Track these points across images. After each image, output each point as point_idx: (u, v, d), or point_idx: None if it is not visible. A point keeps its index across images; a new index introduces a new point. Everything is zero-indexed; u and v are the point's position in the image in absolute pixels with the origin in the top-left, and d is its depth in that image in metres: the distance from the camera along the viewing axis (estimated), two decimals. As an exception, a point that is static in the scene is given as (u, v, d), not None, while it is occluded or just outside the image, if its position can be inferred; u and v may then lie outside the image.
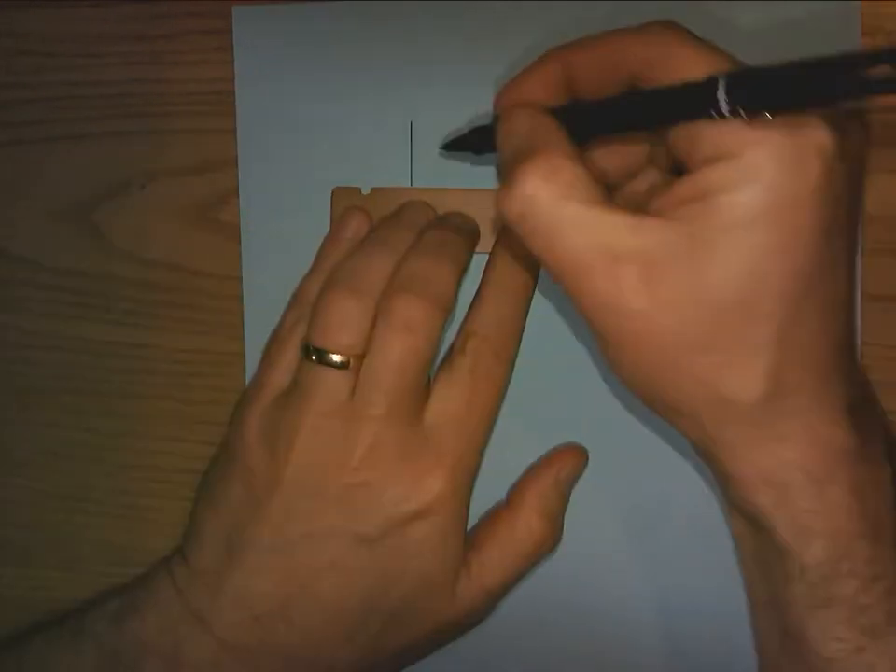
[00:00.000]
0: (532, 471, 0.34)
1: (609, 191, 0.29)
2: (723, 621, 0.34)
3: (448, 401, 0.31)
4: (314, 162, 0.36)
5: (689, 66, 0.25)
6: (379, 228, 0.34)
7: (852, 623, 0.26)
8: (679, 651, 0.35)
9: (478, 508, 0.34)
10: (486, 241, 0.34)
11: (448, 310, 0.31)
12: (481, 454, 0.32)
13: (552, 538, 0.33)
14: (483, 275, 0.33)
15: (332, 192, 0.36)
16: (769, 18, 0.33)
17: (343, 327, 0.31)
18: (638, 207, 0.26)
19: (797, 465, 0.26)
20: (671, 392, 0.26)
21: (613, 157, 0.30)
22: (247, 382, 0.36)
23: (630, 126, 0.28)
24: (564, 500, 0.34)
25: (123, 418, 0.39)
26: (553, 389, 0.35)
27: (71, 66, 0.38)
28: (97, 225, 0.38)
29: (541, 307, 0.34)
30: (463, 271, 0.32)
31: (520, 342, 0.33)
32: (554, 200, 0.25)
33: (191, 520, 0.34)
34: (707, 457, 0.28)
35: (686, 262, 0.24)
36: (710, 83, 0.24)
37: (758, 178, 0.24)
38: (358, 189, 0.35)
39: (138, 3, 0.37)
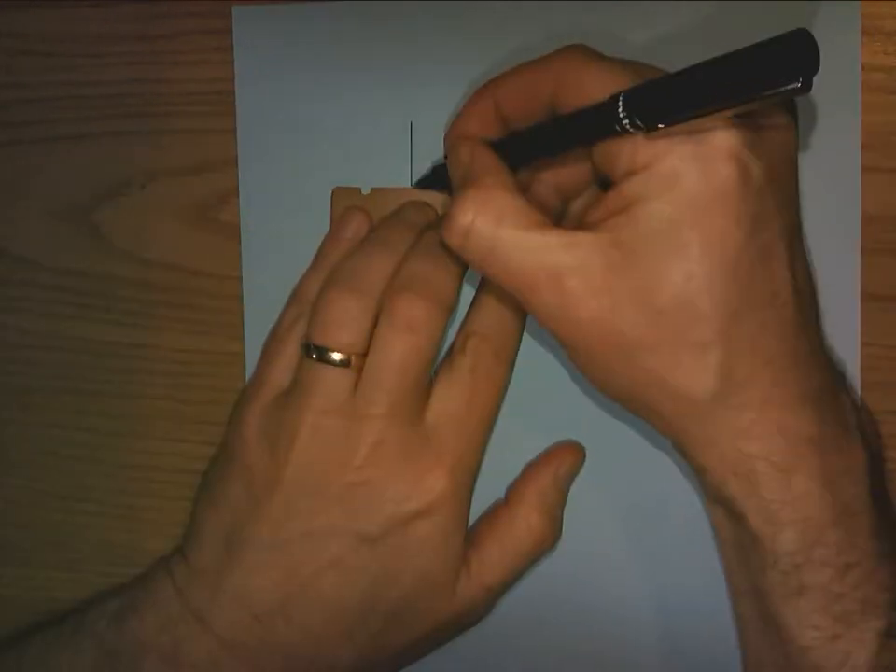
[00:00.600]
0: (530, 469, 0.34)
1: (565, 208, 0.32)
2: (722, 619, 0.34)
3: (449, 401, 0.32)
4: (314, 162, 0.36)
5: (595, 87, 0.27)
6: (379, 228, 0.34)
7: (827, 612, 0.27)
8: (678, 650, 0.35)
9: (478, 507, 0.34)
10: None
11: (450, 309, 0.31)
12: (481, 453, 0.32)
13: (551, 535, 0.33)
14: (482, 279, 0.33)
15: (332, 192, 0.36)
16: (769, 18, 0.33)
17: (343, 325, 0.31)
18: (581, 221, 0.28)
19: (761, 456, 0.26)
20: (634, 391, 0.28)
21: (561, 175, 0.31)
22: (247, 382, 0.36)
23: (555, 150, 0.30)
24: (563, 497, 0.34)
25: (123, 418, 0.39)
26: (553, 389, 0.35)
27: (71, 66, 0.38)
28: (97, 225, 0.38)
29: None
30: (464, 270, 0.32)
31: (520, 341, 0.33)
32: (490, 227, 0.27)
33: (191, 519, 0.34)
34: (679, 450, 0.29)
35: (621, 270, 0.26)
36: (612, 102, 0.25)
37: (671, 186, 0.25)
38: (358, 189, 0.35)
39: (138, 3, 0.37)
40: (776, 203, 0.26)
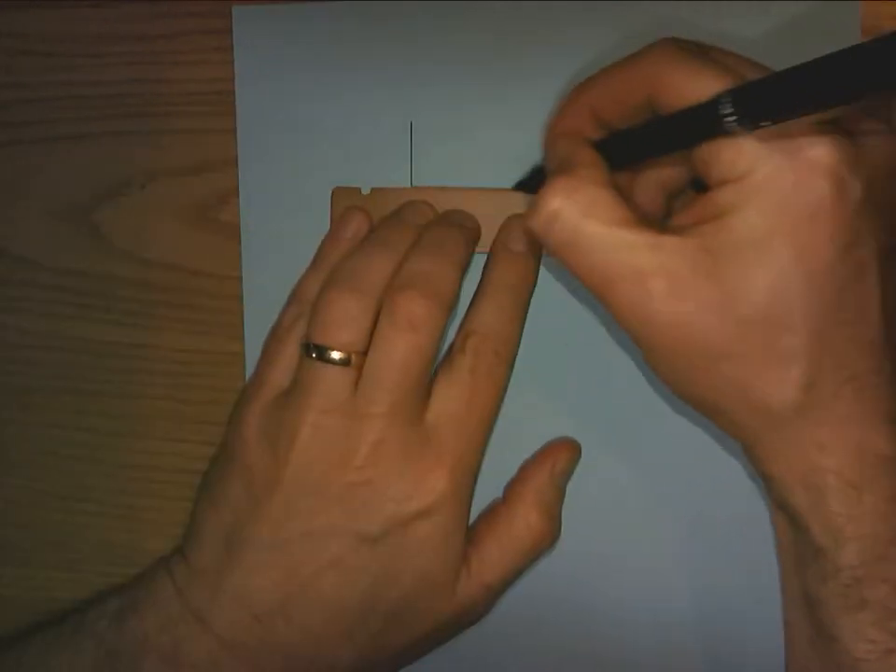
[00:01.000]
0: (527, 467, 0.34)
1: (668, 206, 0.31)
2: (721, 619, 0.34)
3: (449, 401, 0.31)
4: (314, 162, 0.36)
5: (693, 88, 0.26)
6: (379, 228, 0.34)
7: (883, 627, 0.26)
8: (677, 650, 0.35)
9: (478, 507, 0.34)
10: (486, 240, 0.34)
11: (450, 307, 0.31)
12: (482, 453, 0.32)
13: (550, 533, 0.33)
14: (483, 274, 0.33)
15: (332, 192, 0.36)
16: (769, 18, 0.33)
17: (343, 324, 0.31)
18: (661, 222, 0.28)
19: (834, 471, 0.26)
20: (709, 395, 0.27)
21: (664, 174, 0.31)
22: (247, 382, 0.36)
23: (656, 152, 0.29)
24: (560, 495, 0.34)
25: (123, 418, 0.39)
26: (553, 389, 0.35)
27: (71, 66, 0.38)
28: (97, 225, 0.38)
29: (541, 307, 0.34)
30: (464, 268, 0.32)
31: (520, 340, 0.33)
32: (576, 217, 0.27)
33: (191, 519, 0.33)
34: (747, 455, 0.28)
35: (708, 277, 0.26)
36: (713, 102, 0.25)
37: (766, 198, 0.25)
38: (358, 190, 0.35)
39: (138, 3, 0.37)
40: (872, 221, 0.26)
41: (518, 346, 0.33)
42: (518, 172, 0.35)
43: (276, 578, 0.31)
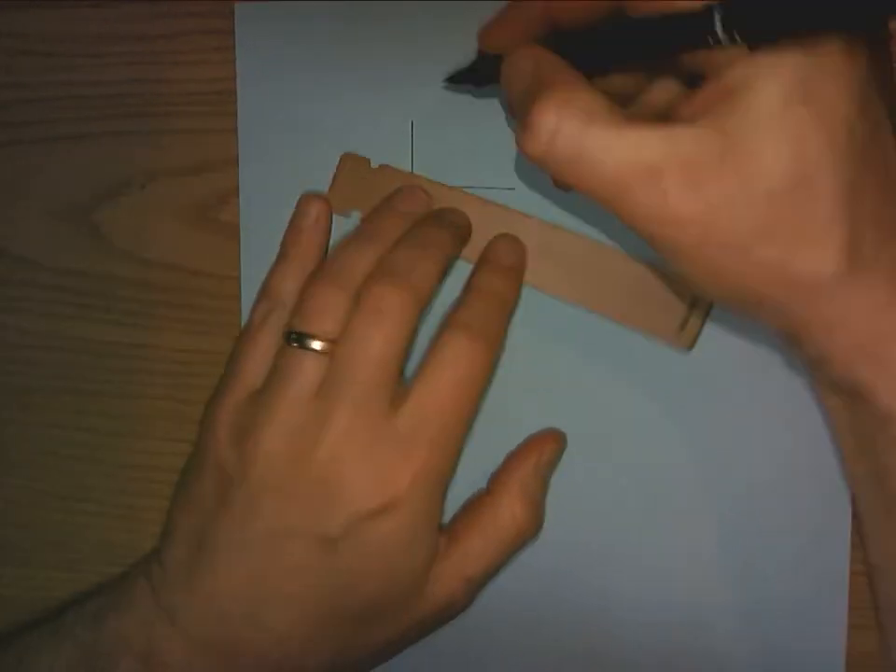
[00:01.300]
0: (512, 458, 0.34)
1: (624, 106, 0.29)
2: (722, 619, 0.34)
3: (426, 395, 0.31)
4: (314, 162, 0.36)
5: None
6: (370, 219, 0.34)
7: None
8: (678, 650, 0.35)
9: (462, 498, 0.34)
10: (475, 248, 0.34)
11: (424, 302, 0.31)
12: (457, 449, 0.32)
13: (534, 523, 0.33)
14: (468, 281, 0.33)
15: (340, 158, 0.35)
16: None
17: (324, 313, 0.31)
18: (659, 119, 0.26)
19: (891, 334, 0.26)
20: (748, 286, 0.26)
21: (614, 83, 0.30)
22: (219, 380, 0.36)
23: (629, 59, 0.28)
24: (544, 486, 0.34)
25: (123, 418, 0.39)
26: (545, 383, 0.35)
27: (71, 66, 0.38)
28: (97, 225, 0.38)
29: (537, 304, 0.34)
30: (446, 266, 0.32)
31: (504, 334, 0.33)
32: (577, 129, 0.25)
33: (166, 518, 0.33)
34: (795, 342, 0.27)
35: (727, 161, 0.24)
36: (706, 13, 0.24)
37: (779, 66, 0.24)
38: (368, 161, 0.35)
39: (138, 3, 0.37)
40: (877, 91, 0.25)
41: (502, 339, 0.33)
42: (518, 172, 0.35)
43: (244, 579, 0.31)
